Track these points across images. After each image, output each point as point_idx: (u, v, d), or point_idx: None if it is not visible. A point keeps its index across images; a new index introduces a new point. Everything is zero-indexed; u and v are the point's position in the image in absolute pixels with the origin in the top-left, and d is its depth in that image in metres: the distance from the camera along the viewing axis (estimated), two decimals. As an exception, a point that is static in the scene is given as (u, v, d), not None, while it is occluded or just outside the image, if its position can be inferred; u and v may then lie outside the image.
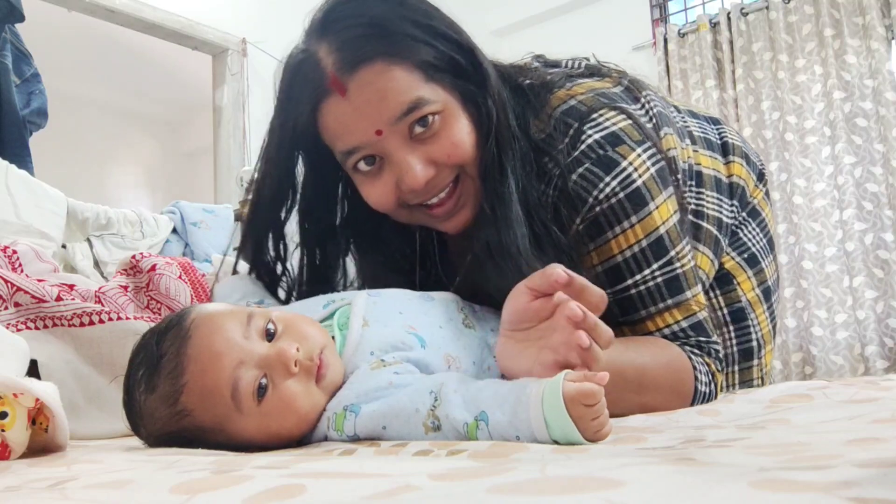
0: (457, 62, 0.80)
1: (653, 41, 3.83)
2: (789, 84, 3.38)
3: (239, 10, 3.52)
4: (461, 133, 0.80)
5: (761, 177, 1.11)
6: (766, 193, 1.12)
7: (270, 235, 0.92)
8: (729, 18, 3.60)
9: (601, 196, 0.81)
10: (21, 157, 1.98)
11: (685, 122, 1.03)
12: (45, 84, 2.17)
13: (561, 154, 0.83)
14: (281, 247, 0.93)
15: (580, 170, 0.82)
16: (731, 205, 1.04)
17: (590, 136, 0.83)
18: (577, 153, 0.83)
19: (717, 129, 1.09)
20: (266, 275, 0.94)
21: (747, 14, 3.55)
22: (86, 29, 3.67)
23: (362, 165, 0.81)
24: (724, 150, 1.07)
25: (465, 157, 0.81)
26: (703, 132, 1.06)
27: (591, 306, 0.62)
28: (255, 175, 0.90)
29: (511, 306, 0.68)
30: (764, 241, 1.07)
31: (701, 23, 3.66)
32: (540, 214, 0.82)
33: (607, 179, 0.81)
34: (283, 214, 0.91)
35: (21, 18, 2.02)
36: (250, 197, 0.91)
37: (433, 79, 0.78)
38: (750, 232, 1.06)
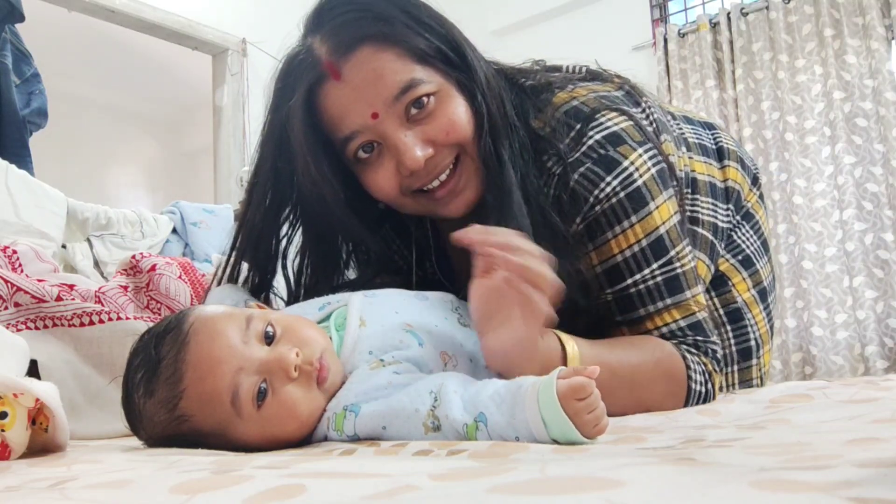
0: (445, 53, 0.80)
1: (653, 41, 3.83)
2: (789, 84, 3.38)
3: (239, 10, 3.52)
4: (458, 112, 0.80)
5: (755, 180, 1.12)
6: (760, 196, 1.12)
7: (266, 238, 0.90)
8: (729, 18, 3.60)
9: (602, 195, 0.81)
10: (21, 157, 1.99)
11: (680, 128, 1.04)
12: (45, 84, 2.17)
13: (562, 152, 0.83)
14: (277, 251, 0.91)
15: (581, 169, 0.82)
16: (727, 209, 1.05)
17: (591, 136, 0.83)
18: (578, 153, 0.83)
19: (712, 134, 1.09)
20: (262, 280, 0.92)
21: (747, 14, 3.55)
22: (86, 29, 3.66)
23: (362, 153, 0.81)
24: (720, 154, 1.07)
25: (462, 136, 0.81)
26: (697, 138, 1.06)
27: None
28: (250, 178, 0.90)
29: (474, 303, 0.70)
30: (758, 243, 1.08)
31: (701, 23, 3.66)
32: (539, 201, 0.82)
33: (608, 179, 0.81)
34: (279, 216, 0.90)
35: (21, 18, 2.02)
36: (244, 200, 0.90)
37: (426, 62, 0.79)
38: (744, 234, 1.07)
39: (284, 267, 0.93)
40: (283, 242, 0.92)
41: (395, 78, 0.77)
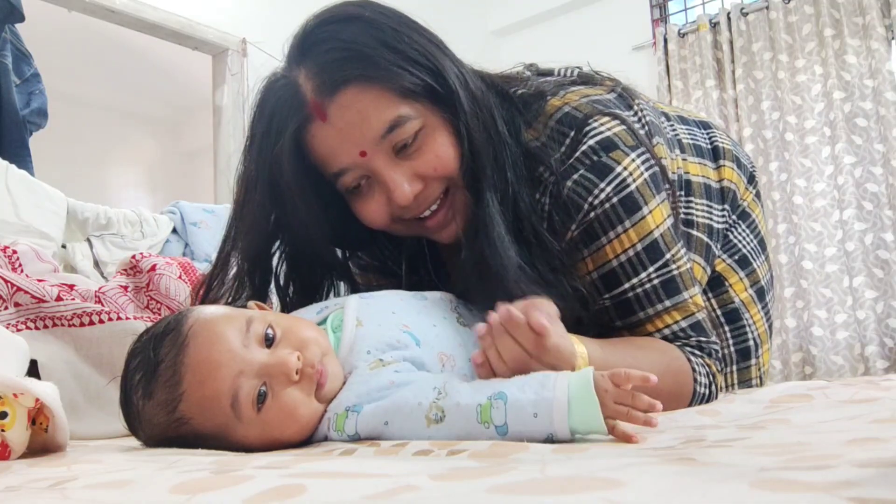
0: (429, 85, 0.80)
1: (653, 41, 3.83)
2: (789, 84, 3.38)
3: (239, 10, 3.52)
4: (444, 146, 0.81)
5: (752, 179, 1.11)
6: (757, 194, 1.11)
7: (256, 262, 0.89)
8: (729, 18, 3.60)
9: (596, 202, 0.81)
10: (21, 157, 1.99)
11: (675, 129, 1.03)
12: (45, 84, 2.17)
13: (556, 161, 0.83)
14: (266, 271, 0.90)
15: (575, 176, 0.82)
16: (722, 209, 1.04)
17: (585, 142, 0.83)
18: (571, 160, 0.83)
19: (708, 133, 1.09)
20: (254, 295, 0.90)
21: (747, 14, 3.55)
22: (86, 29, 3.66)
23: (352, 185, 0.82)
24: (715, 154, 1.06)
25: (449, 170, 0.81)
26: (692, 139, 1.05)
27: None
28: (234, 200, 0.88)
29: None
30: (755, 241, 1.07)
31: (701, 23, 3.66)
32: (531, 221, 0.82)
33: (602, 185, 0.81)
34: (266, 241, 0.89)
35: (21, 18, 2.03)
36: (228, 226, 0.88)
37: (411, 98, 0.78)
38: (740, 234, 1.06)
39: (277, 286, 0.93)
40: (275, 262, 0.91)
41: (380, 118, 0.77)
